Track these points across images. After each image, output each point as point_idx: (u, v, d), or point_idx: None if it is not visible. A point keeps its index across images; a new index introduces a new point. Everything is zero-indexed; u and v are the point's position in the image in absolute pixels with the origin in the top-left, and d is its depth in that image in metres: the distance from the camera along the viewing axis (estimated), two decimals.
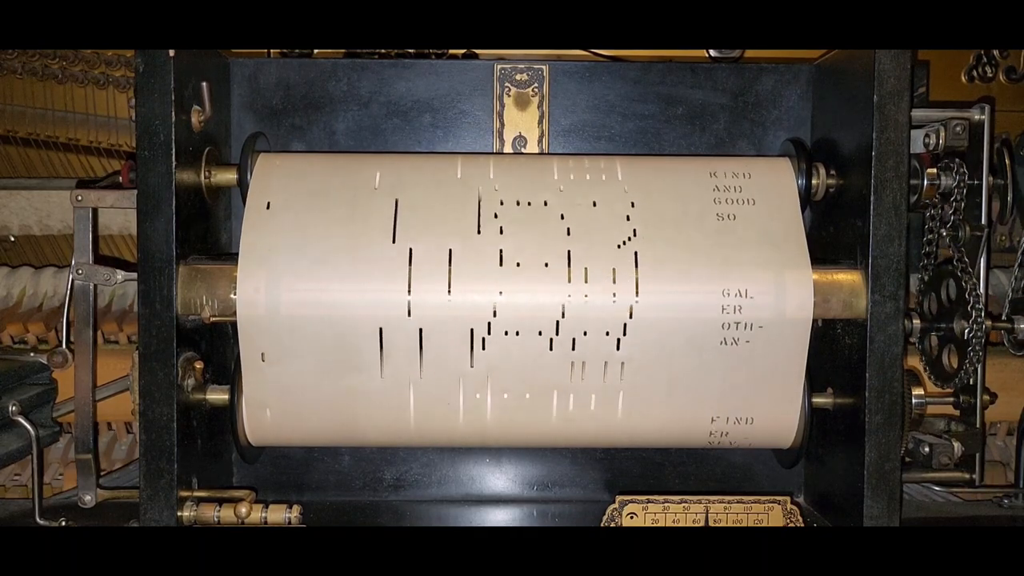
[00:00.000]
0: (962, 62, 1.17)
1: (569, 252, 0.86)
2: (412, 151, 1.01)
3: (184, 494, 0.85)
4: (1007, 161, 0.98)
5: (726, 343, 0.86)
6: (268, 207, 0.88)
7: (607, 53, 1.08)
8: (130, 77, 1.14)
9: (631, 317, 0.85)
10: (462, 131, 1.02)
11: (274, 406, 0.88)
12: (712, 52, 1.06)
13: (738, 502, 0.85)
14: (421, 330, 0.85)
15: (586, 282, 0.85)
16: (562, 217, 0.87)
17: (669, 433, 0.91)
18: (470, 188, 0.89)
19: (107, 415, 1.04)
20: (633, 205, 0.89)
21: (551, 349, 0.86)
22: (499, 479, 1.03)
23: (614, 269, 0.86)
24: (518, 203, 0.88)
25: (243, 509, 0.84)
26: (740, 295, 0.86)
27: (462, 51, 1.08)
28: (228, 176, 0.91)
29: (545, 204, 0.88)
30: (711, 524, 0.84)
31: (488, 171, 0.91)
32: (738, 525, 0.84)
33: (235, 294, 0.85)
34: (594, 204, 0.88)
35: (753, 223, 0.89)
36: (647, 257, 0.86)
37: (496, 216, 0.87)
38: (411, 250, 0.86)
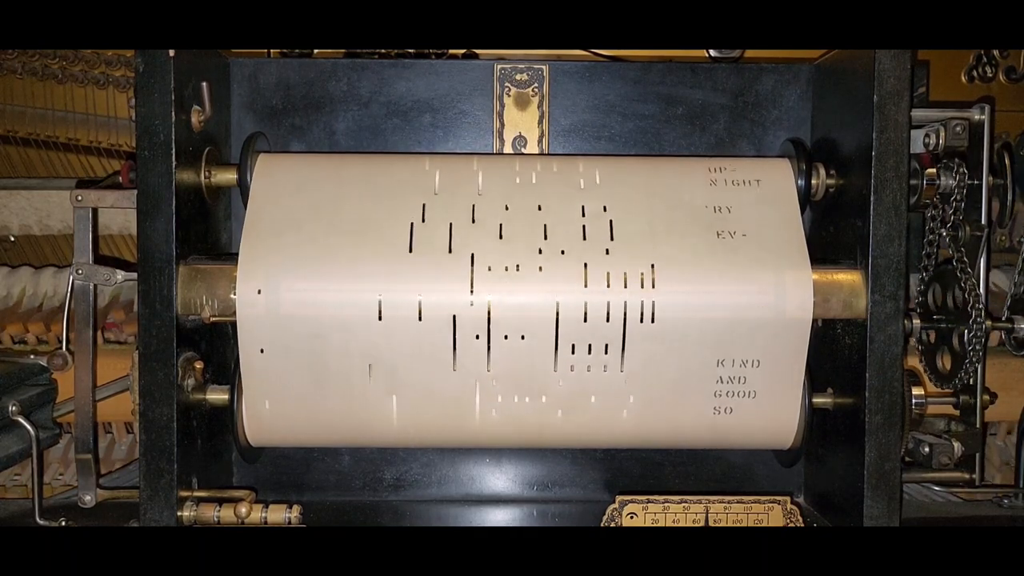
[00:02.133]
0: (962, 62, 1.17)
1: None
2: (412, 151, 1.01)
3: (184, 494, 0.85)
4: (1007, 162, 0.98)
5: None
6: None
7: (607, 53, 1.08)
8: (130, 77, 1.14)
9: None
10: (462, 131, 1.02)
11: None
12: (712, 52, 1.06)
13: (738, 502, 0.85)
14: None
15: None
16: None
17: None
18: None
19: (107, 415, 1.04)
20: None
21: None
22: (499, 479, 1.03)
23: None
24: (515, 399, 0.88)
25: (243, 509, 0.84)
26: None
27: (462, 51, 1.08)
28: (228, 176, 0.91)
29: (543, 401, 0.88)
30: (711, 524, 0.84)
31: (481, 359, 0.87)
32: (738, 525, 0.84)
33: (235, 294, 0.85)
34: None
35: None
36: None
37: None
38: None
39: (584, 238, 0.87)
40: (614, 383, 0.87)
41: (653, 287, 0.85)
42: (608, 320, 0.85)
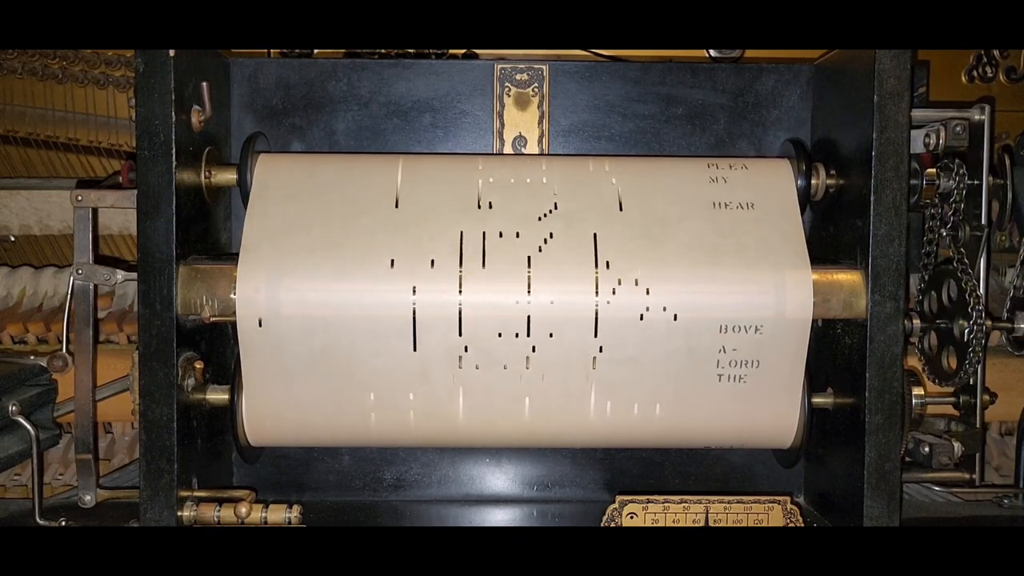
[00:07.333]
0: (962, 62, 1.17)
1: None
2: (412, 151, 1.01)
3: (184, 494, 0.85)
4: (1007, 163, 0.98)
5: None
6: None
7: (607, 53, 1.08)
8: (130, 77, 1.14)
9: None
10: (462, 131, 1.02)
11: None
12: (712, 52, 1.06)
13: (738, 502, 0.85)
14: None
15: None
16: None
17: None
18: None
19: (107, 415, 1.04)
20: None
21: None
22: (499, 479, 1.03)
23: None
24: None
25: (243, 509, 0.84)
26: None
27: (462, 51, 1.08)
28: (228, 176, 0.91)
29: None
30: (711, 524, 0.84)
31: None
32: (738, 525, 0.84)
33: (235, 294, 0.85)
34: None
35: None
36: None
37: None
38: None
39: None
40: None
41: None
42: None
